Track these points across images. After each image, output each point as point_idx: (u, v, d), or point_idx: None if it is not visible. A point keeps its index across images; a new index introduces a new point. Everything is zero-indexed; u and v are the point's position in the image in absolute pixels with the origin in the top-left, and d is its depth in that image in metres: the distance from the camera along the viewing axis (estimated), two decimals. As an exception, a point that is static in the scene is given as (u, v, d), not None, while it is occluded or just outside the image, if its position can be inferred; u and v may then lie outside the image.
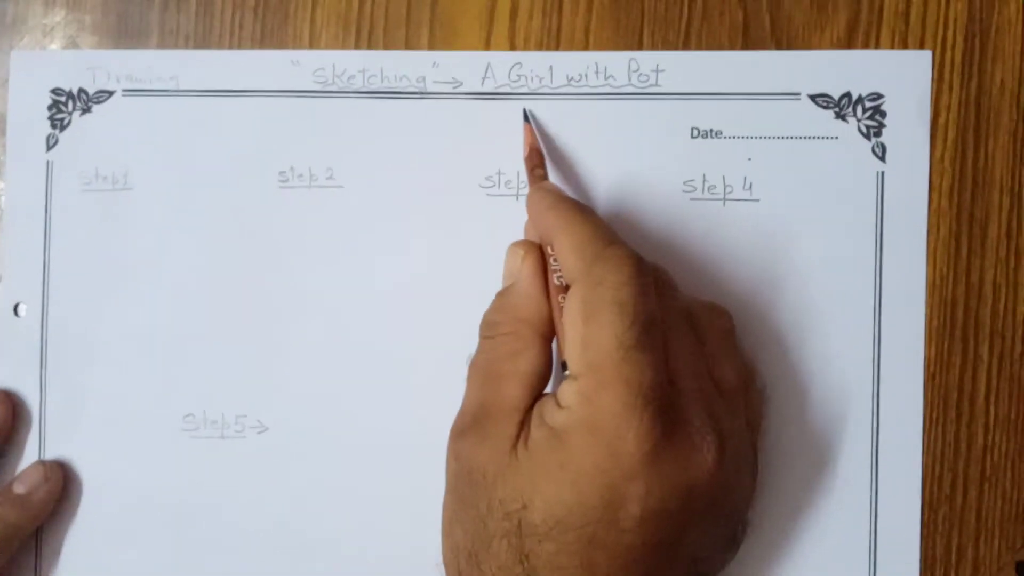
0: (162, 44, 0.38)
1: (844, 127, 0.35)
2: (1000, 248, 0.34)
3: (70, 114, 0.38)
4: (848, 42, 0.35)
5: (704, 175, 0.36)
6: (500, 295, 0.33)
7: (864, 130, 0.35)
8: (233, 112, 0.38)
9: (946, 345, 0.34)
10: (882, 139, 0.35)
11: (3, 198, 0.38)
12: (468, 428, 0.30)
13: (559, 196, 0.32)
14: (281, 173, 0.37)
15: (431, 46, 0.37)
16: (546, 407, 0.29)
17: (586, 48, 0.36)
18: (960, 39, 0.34)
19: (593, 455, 0.27)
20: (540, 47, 0.36)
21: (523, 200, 0.36)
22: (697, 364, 0.30)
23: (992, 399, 0.34)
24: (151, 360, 0.38)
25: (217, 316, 0.37)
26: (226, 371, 0.37)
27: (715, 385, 0.31)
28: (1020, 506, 0.34)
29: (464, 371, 0.32)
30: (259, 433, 0.37)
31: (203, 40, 0.38)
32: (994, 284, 0.34)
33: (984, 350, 0.34)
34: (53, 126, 0.38)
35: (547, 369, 0.31)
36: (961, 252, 0.34)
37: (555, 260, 0.31)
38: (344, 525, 0.37)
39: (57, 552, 0.38)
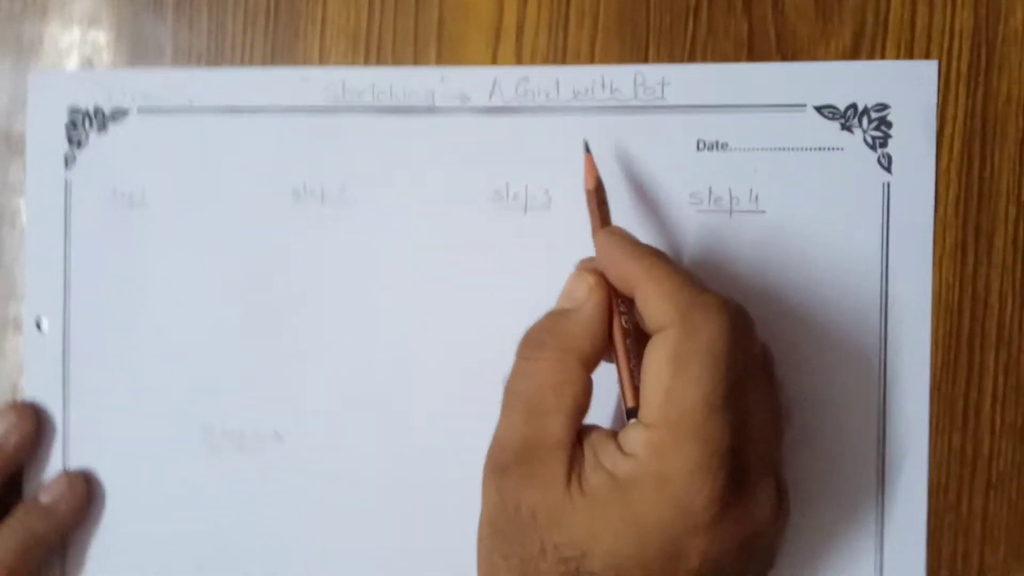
0: (176, 62, 0.38)
1: (850, 138, 0.34)
2: (1007, 257, 0.33)
3: (87, 133, 0.38)
4: (854, 53, 0.34)
5: (710, 187, 0.35)
6: (554, 317, 0.31)
7: (870, 141, 0.34)
8: (246, 129, 0.37)
9: (952, 355, 0.33)
10: (888, 150, 0.34)
11: (24, 216, 0.38)
12: (511, 464, 0.29)
13: (635, 242, 0.31)
14: (294, 190, 0.37)
15: (439, 62, 0.36)
16: (605, 449, 0.28)
17: (592, 63, 0.35)
18: (966, 49, 0.33)
19: (659, 510, 0.26)
20: (546, 62, 0.35)
21: (531, 214, 0.35)
22: (767, 412, 0.29)
23: (998, 408, 0.33)
24: (170, 373, 0.37)
25: (234, 330, 0.37)
26: (244, 384, 0.37)
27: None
28: None
29: (498, 393, 0.30)
30: (277, 444, 0.37)
31: (215, 58, 0.37)
32: (1000, 294, 0.33)
33: (990, 359, 0.33)
34: (71, 145, 0.38)
35: (589, 403, 0.29)
36: (967, 262, 0.33)
37: (623, 303, 0.30)
38: (362, 537, 0.36)
39: (82, 561, 0.38)
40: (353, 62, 0.37)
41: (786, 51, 0.34)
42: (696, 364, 0.27)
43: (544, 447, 0.28)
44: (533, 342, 0.30)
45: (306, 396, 0.37)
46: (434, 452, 0.36)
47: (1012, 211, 0.33)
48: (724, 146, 0.35)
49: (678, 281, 0.28)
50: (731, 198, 0.34)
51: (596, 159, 0.34)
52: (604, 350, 0.30)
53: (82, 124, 0.38)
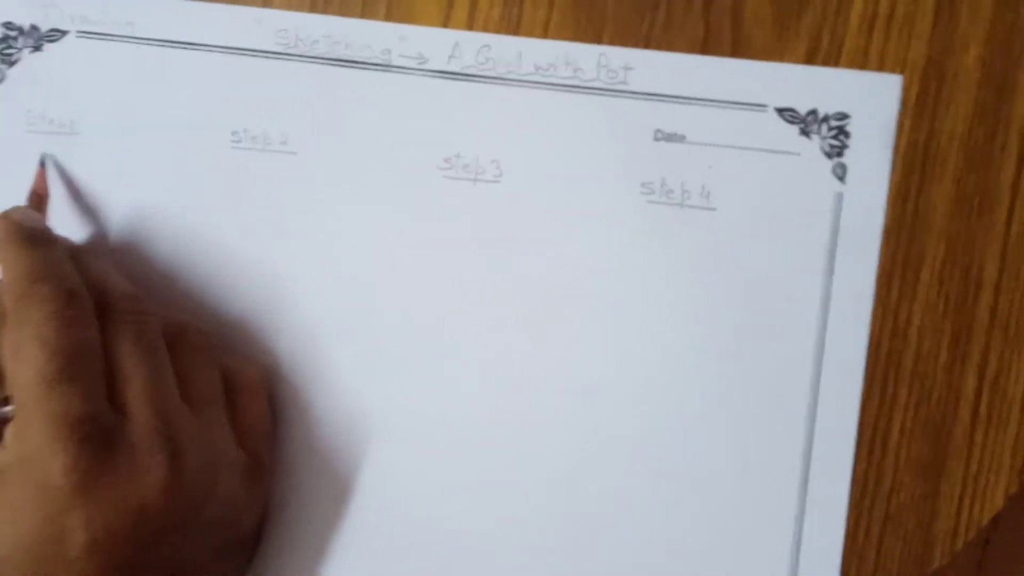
0: (118, -11, 0.38)
1: (807, 144, 0.36)
2: (930, 294, 0.35)
3: (20, 50, 0.38)
4: (807, 69, 0.36)
5: (663, 179, 0.36)
6: None
7: (827, 149, 0.35)
8: (189, 65, 0.38)
9: (867, 383, 0.35)
10: (844, 160, 0.35)
11: (-55, 130, 0.39)
12: None
13: (14, 227, 0.33)
14: (234, 133, 0.38)
15: (387, 19, 0.37)
16: None
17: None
18: (916, 81, 0.35)
19: (27, 491, 0.29)
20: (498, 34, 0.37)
21: (480, 185, 0.37)
22: (158, 385, 0.32)
23: (905, 442, 0.35)
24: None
25: (156, 271, 0.38)
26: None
27: (187, 401, 0.32)
28: (919, 548, 0.35)
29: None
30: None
31: (160, -11, 0.38)
32: (920, 329, 0.35)
33: (903, 392, 0.35)
34: (1, 61, 0.39)
35: None
36: (892, 293, 0.35)
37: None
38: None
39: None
40: (299, 8, 0.37)
41: (739, 57, 0.36)
42: (28, 347, 0.29)
43: None
44: None
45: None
46: (361, 426, 0.38)
47: (941, 248, 0.35)
48: (681, 138, 0.36)
49: (21, 270, 0.31)
50: (683, 192, 0.36)
51: (552, 137, 0.36)
52: None
53: (16, 41, 0.38)
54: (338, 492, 0.37)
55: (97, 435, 0.29)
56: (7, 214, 0.34)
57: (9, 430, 0.30)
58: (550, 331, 0.37)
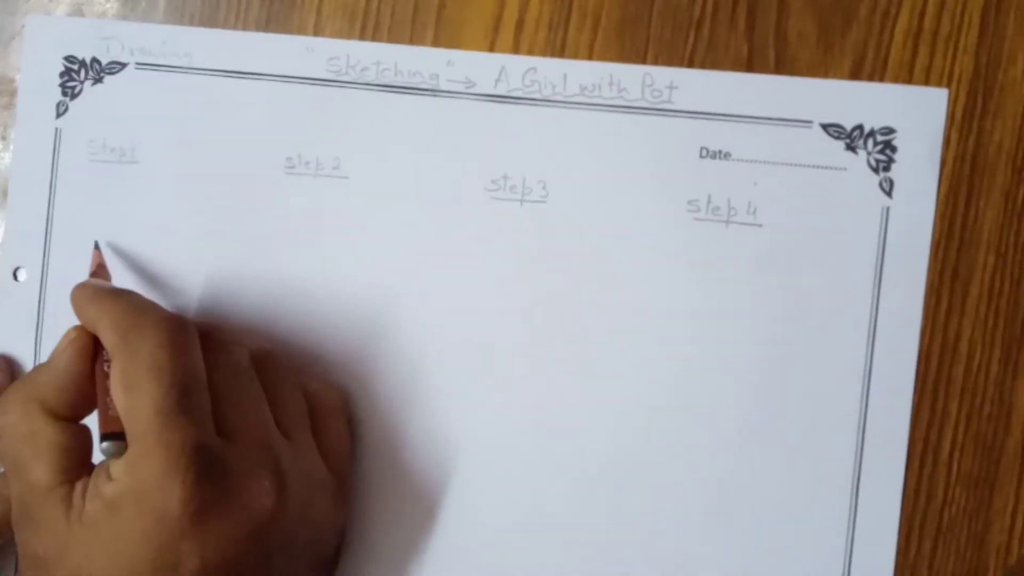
0: (168, 19, 0.40)
1: (853, 159, 0.36)
2: (980, 307, 0.35)
3: (82, 83, 0.40)
4: (851, 85, 0.36)
5: (709, 196, 0.37)
6: (30, 372, 0.34)
7: (874, 164, 0.36)
8: (244, 94, 0.39)
9: (916, 398, 0.35)
10: (891, 174, 0.36)
11: (9, 162, 0.41)
12: (20, 518, 0.32)
13: (99, 286, 0.35)
14: (288, 159, 0.39)
15: (435, 46, 0.38)
16: (100, 478, 0.31)
17: (590, 65, 0.37)
18: (963, 94, 0.35)
19: (141, 523, 0.29)
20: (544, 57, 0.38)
21: (527, 206, 0.38)
22: (256, 412, 0.33)
23: (956, 455, 0.35)
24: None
25: (213, 298, 0.39)
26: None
27: (278, 426, 0.33)
28: (972, 564, 0.35)
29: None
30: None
31: (209, 19, 0.40)
32: (970, 342, 0.35)
33: (953, 406, 0.35)
34: (64, 94, 0.40)
35: (75, 442, 0.32)
36: (941, 306, 0.35)
37: (106, 351, 0.33)
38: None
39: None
40: (349, 36, 0.39)
41: (784, 75, 0.36)
42: (142, 378, 0.30)
43: (36, 495, 0.31)
44: (1, 401, 0.33)
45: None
46: (409, 442, 0.39)
47: (990, 261, 0.35)
48: (727, 155, 0.37)
49: (122, 308, 0.32)
50: (729, 209, 0.37)
51: (598, 158, 0.37)
52: (82, 396, 0.33)
53: (77, 74, 0.40)
54: (418, 512, 0.38)
55: (212, 465, 0.30)
56: (84, 282, 0.36)
57: (119, 461, 0.31)
58: (599, 350, 0.37)
